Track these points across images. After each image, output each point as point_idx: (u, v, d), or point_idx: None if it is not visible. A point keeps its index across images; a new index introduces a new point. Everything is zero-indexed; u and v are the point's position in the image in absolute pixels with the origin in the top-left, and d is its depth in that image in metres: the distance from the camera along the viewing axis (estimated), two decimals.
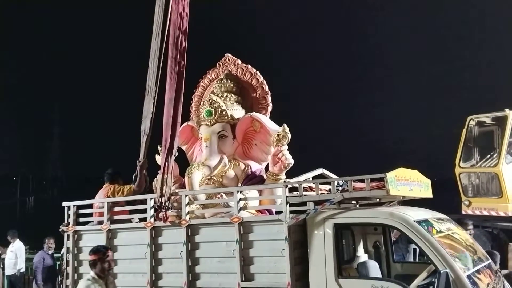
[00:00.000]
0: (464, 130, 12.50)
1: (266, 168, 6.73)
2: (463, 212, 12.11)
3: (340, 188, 5.31)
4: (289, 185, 5.59)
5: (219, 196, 6.06)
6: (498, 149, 11.94)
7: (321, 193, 5.40)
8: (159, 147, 7.19)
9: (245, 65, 7.27)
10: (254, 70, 7.22)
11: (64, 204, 6.82)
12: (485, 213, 11.90)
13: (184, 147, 7.39)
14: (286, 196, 5.35)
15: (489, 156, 12.22)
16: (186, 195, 6.04)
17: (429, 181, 5.94)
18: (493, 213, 11.75)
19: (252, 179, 6.57)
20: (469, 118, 12.47)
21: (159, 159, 7.16)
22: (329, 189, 5.41)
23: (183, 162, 7.23)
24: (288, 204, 5.32)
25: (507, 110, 11.88)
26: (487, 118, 12.43)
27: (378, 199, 5.77)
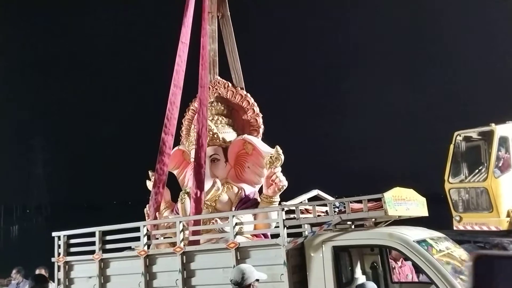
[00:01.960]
0: (452, 146, 12.54)
1: (260, 191, 6.66)
2: (455, 228, 12.10)
3: (337, 209, 5.25)
4: (286, 208, 5.51)
5: (213, 221, 5.96)
6: (486, 164, 11.99)
7: (318, 215, 5.34)
8: (150, 173, 7.11)
9: (235, 87, 7.25)
10: (245, 92, 7.20)
11: (54, 234, 6.65)
12: (476, 228, 11.89)
13: (175, 172, 7.30)
14: (283, 220, 5.27)
15: (477, 171, 12.27)
16: (180, 222, 5.92)
17: (424, 199, 5.91)
18: (484, 228, 11.75)
19: (246, 203, 6.50)
20: (456, 133, 12.54)
21: (149, 184, 7.07)
22: (326, 211, 5.35)
23: (175, 187, 7.15)
24: (285, 228, 5.24)
25: (493, 124, 11.98)
26: (473, 133, 12.51)
27: (374, 219, 5.73)
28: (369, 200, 5.07)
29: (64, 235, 6.58)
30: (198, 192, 6.19)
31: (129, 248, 6.34)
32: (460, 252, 5.63)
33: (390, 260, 7.06)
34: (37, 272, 9.23)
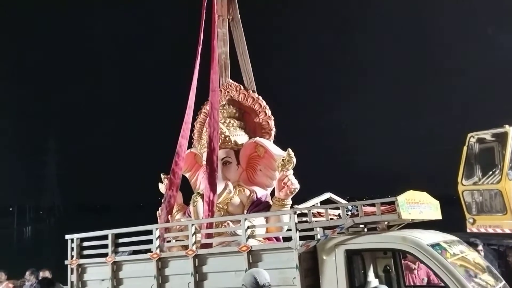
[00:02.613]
0: (465, 148, 12.42)
1: (272, 194, 6.65)
2: (468, 230, 11.98)
3: (349, 212, 5.22)
4: (298, 211, 5.49)
5: (225, 224, 5.96)
6: (500, 166, 11.85)
7: (331, 219, 5.31)
8: (162, 175, 7.13)
9: (247, 90, 7.25)
10: (256, 95, 7.20)
11: (67, 237, 6.68)
12: (490, 230, 11.77)
13: (187, 175, 7.32)
14: (296, 223, 5.25)
15: (491, 172, 12.14)
16: (192, 224, 5.93)
17: (437, 202, 5.86)
18: (498, 230, 11.62)
19: (258, 205, 6.49)
20: (469, 135, 12.42)
21: (162, 187, 7.10)
22: (339, 214, 5.33)
23: (187, 190, 7.17)
24: (297, 231, 5.22)
25: (507, 126, 11.84)
26: (487, 134, 12.38)
27: (387, 222, 5.69)
28: (382, 203, 5.04)
29: (77, 238, 6.61)
30: (211, 195, 6.20)
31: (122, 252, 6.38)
32: (474, 256, 5.58)
33: (408, 262, 7.03)
34: (41, 274, 9.27)
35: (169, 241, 6.31)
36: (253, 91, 7.30)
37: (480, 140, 12.38)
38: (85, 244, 6.65)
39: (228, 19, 7.72)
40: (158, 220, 6.65)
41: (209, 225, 6.02)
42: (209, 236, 5.97)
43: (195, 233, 5.91)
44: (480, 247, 8.59)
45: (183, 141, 6.77)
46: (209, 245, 5.89)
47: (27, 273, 9.97)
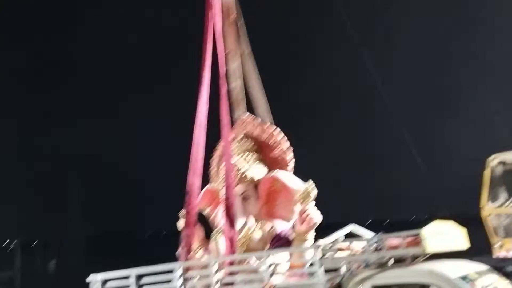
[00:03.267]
0: (487, 171, 12.26)
1: (293, 227, 6.57)
2: (498, 255, 11.71)
3: (374, 245, 5.12)
4: (321, 246, 5.40)
5: (248, 261, 5.88)
6: None
7: (354, 254, 5.22)
8: (180, 213, 7.10)
9: (263, 123, 7.24)
10: (273, 128, 7.17)
11: (88, 279, 6.64)
12: None
13: (205, 212, 7.28)
14: (319, 258, 5.16)
15: None
16: (214, 262, 5.86)
17: (464, 230, 5.72)
18: None
19: (279, 240, 6.40)
20: (490, 157, 12.28)
21: (180, 226, 7.06)
22: (364, 247, 5.23)
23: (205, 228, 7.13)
24: (321, 267, 5.12)
25: None
26: (509, 155, 12.22)
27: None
28: (407, 236, 4.94)
29: (100, 280, 6.57)
30: (231, 232, 6.15)
31: None
32: (505, 284, 5.41)
33: None
34: None
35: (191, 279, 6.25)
36: (270, 123, 7.29)
37: (502, 162, 12.22)
38: (108, 285, 6.61)
39: (239, 53, 7.77)
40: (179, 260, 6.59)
41: (231, 263, 5.95)
42: (231, 274, 5.89)
43: (217, 271, 5.84)
44: None
45: (194, 179, 6.74)
46: (231, 284, 5.81)
47: None
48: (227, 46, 7.65)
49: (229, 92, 7.57)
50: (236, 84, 7.71)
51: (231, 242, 6.14)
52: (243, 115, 7.47)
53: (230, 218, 6.25)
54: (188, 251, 6.55)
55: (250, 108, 7.70)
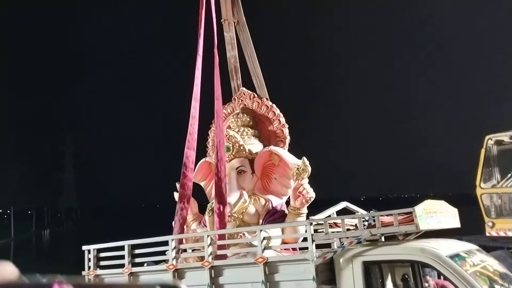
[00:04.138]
0: (483, 150, 12.28)
1: (287, 202, 6.61)
2: (487, 234, 11.84)
3: (366, 223, 5.17)
4: (314, 222, 5.45)
5: (241, 235, 5.93)
6: None
7: (347, 229, 5.26)
8: (177, 184, 7.12)
9: (260, 98, 7.21)
10: (270, 103, 7.16)
11: (84, 248, 6.71)
12: (510, 234, 11.61)
13: (202, 184, 7.30)
14: (312, 234, 5.21)
15: (510, 175, 11.98)
16: (208, 236, 5.91)
17: (456, 210, 5.77)
18: None
19: (273, 215, 6.44)
20: (487, 137, 12.27)
21: (177, 196, 7.09)
22: (355, 224, 5.27)
23: (202, 198, 7.16)
24: (314, 242, 5.17)
25: None
26: (505, 136, 12.22)
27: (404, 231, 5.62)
28: (399, 213, 4.98)
29: (94, 249, 6.64)
30: (221, 207, 6.19)
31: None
32: (494, 264, 5.47)
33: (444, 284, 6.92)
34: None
35: (185, 251, 6.32)
36: (267, 99, 7.26)
37: (499, 142, 12.23)
38: (102, 254, 6.68)
39: (234, 23, 7.66)
40: (173, 232, 6.65)
41: (223, 237, 6.00)
42: (223, 247, 5.95)
43: (211, 244, 5.90)
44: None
45: (189, 152, 6.76)
46: (224, 256, 5.87)
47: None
48: (223, 16, 7.53)
49: (225, 62, 7.52)
50: (232, 53, 7.61)
51: (221, 217, 6.17)
52: (241, 89, 7.42)
53: (220, 194, 6.27)
54: (182, 224, 6.60)
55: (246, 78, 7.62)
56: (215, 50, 7.00)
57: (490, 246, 10.99)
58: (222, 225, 6.14)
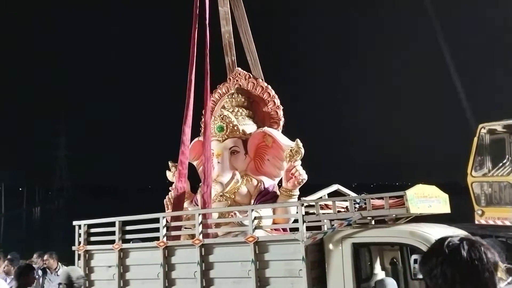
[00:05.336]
0: (475, 138, 12.31)
1: (279, 184, 6.62)
2: (476, 222, 11.93)
3: (357, 205, 5.19)
4: (305, 203, 5.47)
5: (232, 214, 5.95)
6: (510, 157, 11.77)
7: (338, 211, 5.28)
8: (170, 163, 7.11)
9: (256, 79, 7.17)
10: (266, 84, 7.12)
11: (74, 223, 6.71)
12: (499, 222, 11.70)
13: (195, 163, 7.29)
14: (303, 215, 5.23)
15: (501, 164, 12.04)
16: (199, 214, 5.92)
17: (446, 196, 5.80)
18: (507, 223, 11.55)
19: (265, 196, 6.46)
20: (480, 126, 12.30)
21: (169, 175, 7.08)
22: (346, 206, 5.30)
23: (194, 178, 7.15)
24: (304, 223, 5.20)
25: None
26: (498, 125, 12.25)
27: (395, 215, 5.65)
28: (390, 197, 5.00)
29: (84, 224, 6.64)
30: (206, 188, 6.22)
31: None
32: None
33: None
34: (45, 257, 9.11)
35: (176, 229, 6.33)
36: (262, 80, 7.22)
37: (491, 131, 12.26)
38: (93, 230, 6.69)
39: None
40: (165, 209, 6.65)
41: (209, 216, 6.04)
42: (212, 226, 5.99)
43: (202, 222, 5.92)
44: None
45: (186, 129, 6.73)
46: (214, 235, 5.90)
47: (35, 256, 9.97)
48: None
49: (220, 36, 7.45)
50: (227, 28, 7.53)
51: (204, 198, 6.20)
52: (236, 69, 7.38)
53: (206, 173, 6.29)
54: (177, 204, 6.59)
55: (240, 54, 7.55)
56: (206, 22, 6.91)
57: (478, 234, 11.07)
58: (206, 206, 6.17)
